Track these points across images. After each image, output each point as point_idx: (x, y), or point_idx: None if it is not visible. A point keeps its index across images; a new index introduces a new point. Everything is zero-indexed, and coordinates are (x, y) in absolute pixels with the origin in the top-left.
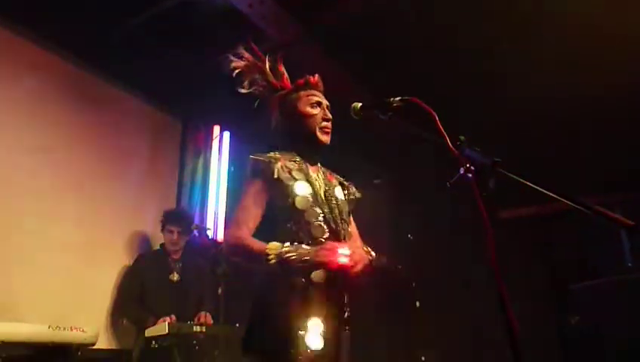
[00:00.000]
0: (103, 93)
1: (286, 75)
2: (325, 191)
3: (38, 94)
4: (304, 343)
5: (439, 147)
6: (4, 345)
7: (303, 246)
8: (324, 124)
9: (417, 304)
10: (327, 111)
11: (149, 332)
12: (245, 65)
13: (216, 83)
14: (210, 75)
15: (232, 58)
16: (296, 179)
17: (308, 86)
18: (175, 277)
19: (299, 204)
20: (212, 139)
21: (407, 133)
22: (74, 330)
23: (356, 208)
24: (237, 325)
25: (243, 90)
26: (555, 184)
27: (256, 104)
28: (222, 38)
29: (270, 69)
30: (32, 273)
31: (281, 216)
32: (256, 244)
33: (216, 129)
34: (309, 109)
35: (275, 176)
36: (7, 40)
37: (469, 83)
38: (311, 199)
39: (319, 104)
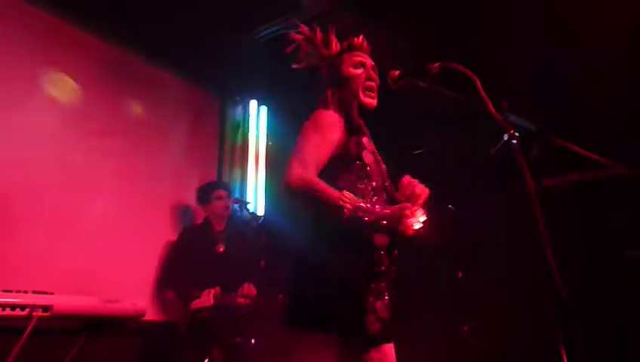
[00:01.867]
0: (141, 72)
1: (335, 42)
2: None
3: (81, 77)
4: (375, 310)
5: (482, 112)
6: (58, 316)
7: (375, 202)
8: (368, 83)
9: (459, 274)
10: (371, 71)
11: (195, 303)
12: (302, 39)
13: (253, 58)
14: (247, 49)
15: (290, 32)
16: (362, 134)
17: (352, 48)
18: (221, 248)
19: (366, 158)
20: (250, 114)
21: (447, 100)
22: (124, 303)
23: None
24: (280, 296)
25: (298, 66)
26: (607, 148)
27: (310, 78)
28: (256, 11)
29: (321, 40)
30: (81, 247)
31: (346, 170)
32: (329, 188)
33: (254, 103)
34: (351, 70)
35: (343, 117)
36: (52, 24)
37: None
38: (370, 159)
39: (363, 64)
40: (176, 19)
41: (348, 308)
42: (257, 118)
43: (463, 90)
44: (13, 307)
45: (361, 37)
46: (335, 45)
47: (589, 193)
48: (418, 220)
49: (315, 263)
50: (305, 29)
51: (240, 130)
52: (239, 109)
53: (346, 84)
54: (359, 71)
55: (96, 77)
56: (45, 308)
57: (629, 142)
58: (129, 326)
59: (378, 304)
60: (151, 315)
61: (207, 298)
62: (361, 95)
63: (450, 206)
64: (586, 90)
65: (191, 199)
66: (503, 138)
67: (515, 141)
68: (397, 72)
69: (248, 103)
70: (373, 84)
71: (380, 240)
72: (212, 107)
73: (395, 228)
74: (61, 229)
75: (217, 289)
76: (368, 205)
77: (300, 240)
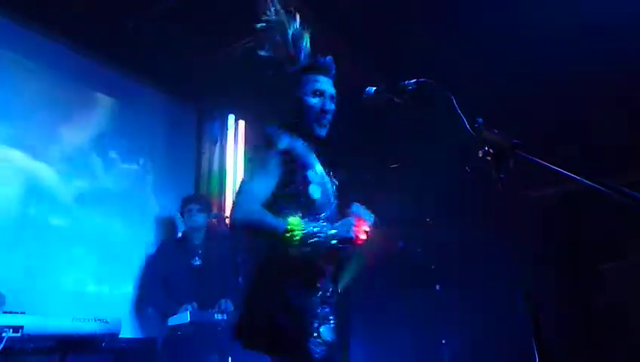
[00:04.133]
0: (118, 86)
1: (306, 48)
2: (324, 175)
3: (54, 89)
4: (320, 334)
5: (456, 129)
6: (30, 337)
7: (323, 223)
8: (322, 115)
9: (437, 287)
10: (328, 101)
11: (172, 320)
12: (274, 22)
13: (231, 71)
14: (224, 63)
15: (264, 11)
16: (306, 159)
17: (316, 69)
18: (197, 261)
19: (310, 176)
20: (227, 128)
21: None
22: (97, 321)
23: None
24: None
25: (262, 53)
26: (583, 161)
27: (270, 73)
28: (233, 24)
29: (292, 37)
30: (54, 266)
31: (295, 192)
32: (273, 219)
33: (231, 118)
34: (309, 98)
35: (289, 151)
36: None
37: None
38: (318, 181)
39: (322, 93)
40: (154, 33)
41: (293, 333)
42: (235, 132)
43: (439, 106)
44: None
45: (328, 58)
46: (305, 53)
47: (568, 204)
48: (364, 229)
49: (264, 288)
50: (280, 10)
51: (218, 144)
52: (217, 123)
53: (302, 109)
54: (316, 100)
55: (71, 91)
56: (16, 329)
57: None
58: (105, 345)
59: (323, 328)
60: (129, 332)
61: (183, 315)
62: (314, 125)
63: (427, 219)
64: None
65: (169, 213)
66: (478, 154)
67: (489, 157)
68: (373, 88)
69: (226, 117)
70: (328, 115)
71: (324, 265)
72: (190, 121)
73: (347, 239)
74: (37, 246)
75: (194, 304)
76: (315, 223)
77: (252, 265)
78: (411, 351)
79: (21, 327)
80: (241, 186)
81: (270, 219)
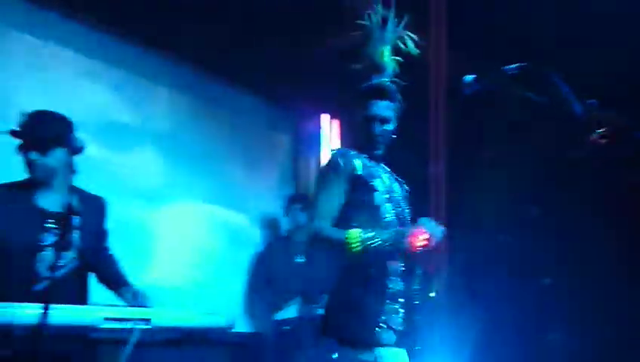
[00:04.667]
0: (217, 94)
1: (384, 65)
2: (393, 188)
3: (160, 102)
4: (381, 337)
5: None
6: (156, 328)
7: (382, 231)
8: (375, 139)
9: (545, 281)
10: (378, 126)
11: (280, 315)
12: (363, 33)
13: (324, 71)
14: (316, 63)
15: (360, 21)
16: (373, 177)
17: (371, 94)
18: (301, 258)
19: (376, 200)
20: (322, 128)
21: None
22: (213, 315)
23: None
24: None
25: (357, 67)
26: None
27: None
28: (330, 26)
29: (378, 54)
30: (176, 264)
31: (360, 211)
32: (337, 233)
33: (325, 118)
34: (365, 123)
35: (356, 172)
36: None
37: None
38: (384, 195)
39: (373, 118)
40: (247, 39)
41: (359, 327)
42: (330, 132)
43: (543, 91)
44: (118, 320)
45: (385, 84)
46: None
47: None
48: (420, 239)
49: (340, 287)
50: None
51: (314, 145)
52: (312, 124)
53: (362, 130)
54: (369, 126)
55: (175, 103)
56: (146, 321)
57: None
58: (219, 338)
59: (390, 318)
60: (239, 326)
61: (290, 309)
62: (370, 147)
63: (531, 210)
64: None
65: (272, 211)
66: (590, 137)
67: (604, 140)
68: (472, 77)
69: (320, 118)
70: (378, 139)
71: (392, 265)
72: (287, 121)
73: (401, 247)
74: (156, 248)
75: (299, 300)
76: (372, 233)
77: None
78: (518, 349)
79: (149, 320)
80: (314, 200)
81: (333, 233)
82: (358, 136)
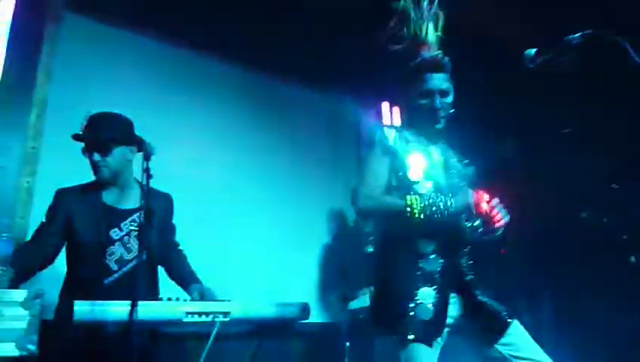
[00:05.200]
0: (280, 93)
1: (427, 33)
2: (444, 165)
3: (219, 104)
4: (414, 313)
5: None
6: (235, 321)
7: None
8: (431, 114)
9: (632, 259)
10: (437, 100)
11: (353, 305)
12: (401, 13)
13: (378, 58)
14: (371, 51)
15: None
16: (409, 152)
17: (426, 68)
18: (370, 248)
19: (411, 175)
20: (382, 116)
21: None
22: (290, 306)
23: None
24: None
25: (395, 48)
26: None
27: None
28: (379, 12)
29: (416, 31)
30: (250, 258)
31: (395, 186)
32: (392, 199)
33: (385, 105)
34: (417, 98)
35: (395, 146)
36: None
37: None
38: (424, 172)
39: (429, 93)
40: (304, 33)
41: (390, 314)
42: (391, 119)
43: (611, 61)
44: (199, 314)
45: (437, 57)
46: (429, 49)
47: None
48: (484, 198)
49: (377, 274)
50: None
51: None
52: (372, 112)
53: (413, 106)
54: (424, 100)
55: (239, 105)
56: (225, 314)
57: None
58: (295, 329)
59: (419, 308)
60: (314, 317)
61: (363, 299)
62: (427, 123)
63: (613, 185)
64: None
65: (339, 204)
66: None
67: None
68: (534, 50)
69: (381, 105)
70: (438, 112)
71: (425, 248)
72: (348, 112)
73: (466, 205)
74: (231, 244)
75: (371, 289)
76: (431, 199)
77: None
78: (606, 331)
79: (228, 313)
80: (360, 174)
81: (389, 199)
82: (413, 115)
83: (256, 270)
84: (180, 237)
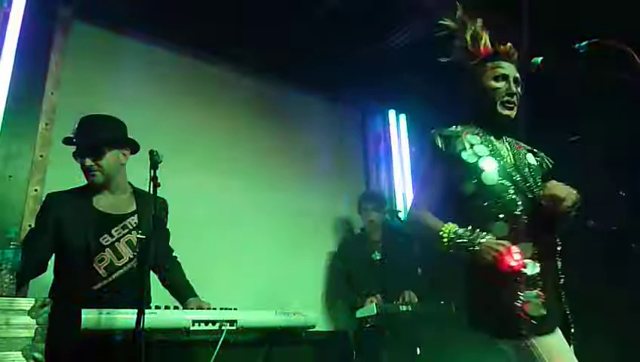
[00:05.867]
0: (284, 98)
1: (486, 41)
2: (516, 161)
3: (226, 112)
4: (523, 308)
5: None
6: (242, 329)
7: (480, 233)
8: (507, 98)
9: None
10: (512, 85)
11: (360, 313)
12: (455, 28)
13: (388, 67)
14: (382, 59)
15: (442, 21)
16: (479, 156)
17: (497, 57)
18: (377, 256)
19: (486, 179)
20: (389, 124)
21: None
22: (297, 315)
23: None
24: (442, 302)
25: (444, 60)
26: None
27: (449, 75)
28: (389, 19)
29: (471, 36)
30: (256, 267)
31: (469, 194)
32: (433, 223)
33: (392, 113)
34: (492, 83)
35: (457, 153)
36: (192, 64)
37: None
38: (499, 173)
39: (505, 77)
40: (311, 39)
41: (495, 311)
42: (397, 127)
43: (619, 67)
44: (206, 322)
45: (508, 45)
46: (484, 46)
47: None
48: (513, 258)
49: (468, 274)
50: (460, 16)
51: (382, 141)
52: (379, 120)
53: (484, 96)
54: (500, 84)
55: (242, 112)
56: (232, 322)
57: None
58: (302, 337)
59: (528, 306)
60: (321, 326)
61: (370, 307)
62: (499, 108)
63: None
64: None
65: (345, 211)
66: None
67: None
68: (540, 58)
69: (387, 113)
70: (513, 98)
71: (525, 250)
72: (354, 120)
73: (486, 262)
74: (237, 253)
75: (378, 297)
76: (467, 232)
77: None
78: (620, 344)
79: (235, 321)
80: (416, 185)
81: (427, 223)
82: (480, 106)
83: (261, 278)
84: (183, 244)
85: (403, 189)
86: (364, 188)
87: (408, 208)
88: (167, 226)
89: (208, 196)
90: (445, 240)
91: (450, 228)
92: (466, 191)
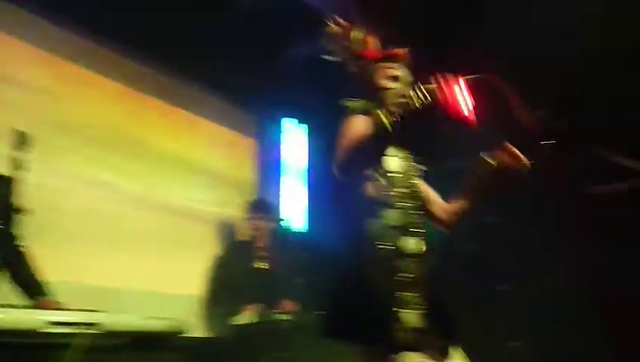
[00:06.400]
0: (181, 95)
1: (372, 45)
2: (406, 160)
3: (123, 99)
4: (401, 319)
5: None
6: (105, 334)
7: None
8: (400, 100)
9: (498, 287)
10: (406, 87)
11: (237, 320)
12: (338, 32)
13: (290, 76)
14: (283, 68)
15: (328, 22)
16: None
17: (392, 58)
18: (259, 264)
19: (388, 166)
20: (287, 132)
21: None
22: (166, 320)
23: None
24: (319, 312)
25: (329, 58)
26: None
27: (337, 75)
28: (293, 31)
29: (355, 37)
30: (127, 266)
31: (373, 178)
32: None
33: (291, 122)
34: (383, 82)
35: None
36: (91, 49)
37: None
38: (399, 164)
39: (397, 79)
40: (213, 41)
41: (372, 320)
42: (295, 136)
43: (498, 100)
44: (63, 324)
45: (405, 49)
46: (372, 49)
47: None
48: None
49: (347, 278)
50: (342, 21)
51: (278, 148)
52: (277, 128)
53: (376, 96)
54: (392, 84)
55: (133, 99)
56: (92, 325)
57: None
58: (171, 343)
59: (405, 314)
60: (196, 332)
61: (247, 315)
62: (390, 109)
63: (484, 219)
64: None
65: (232, 216)
66: (539, 147)
67: (552, 151)
68: (432, 86)
69: (286, 122)
70: (405, 100)
71: (410, 246)
72: (251, 126)
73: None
74: (104, 250)
75: (258, 305)
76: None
77: (337, 257)
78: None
79: (96, 324)
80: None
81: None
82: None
83: (136, 279)
84: (52, 240)
85: (294, 198)
86: (254, 195)
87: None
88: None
89: (86, 189)
90: (384, 118)
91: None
92: (371, 175)
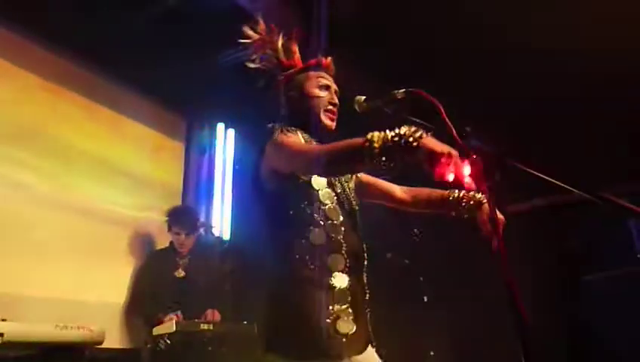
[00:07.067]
0: (106, 93)
1: (298, 54)
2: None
3: (39, 93)
4: (335, 328)
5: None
6: (10, 344)
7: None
8: (330, 107)
9: (425, 299)
10: (334, 95)
11: (157, 330)
12: (258, 39)
13: (220, 80)
14: (214, 72)
15: (246, 29)
16: None
17: (319, 67)
18: (181, 273)
19: (315, 183)
20: (216, 137)
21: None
22: (80, 329)
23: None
24: (245, 322)
25: (252, 65)
26: (563, 174)
27: (262, 83)
28: (224, 34)
29: (282, 46)
30: (38, 271)
31: (295, 195)
32: (348, 140)
33: (221, 127)
34: (316, 90)
35: None
36: (7, 38)
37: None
38: (326, 180)
39: (327, 87)
40: (143, 41)
41: (305, 333)
42: (224, 141)
43: (428, 115)
44: None
45: (329, 58)
46: (297, 58)
47: (549, 217)
48: (453, 170)
49: (277, 291)
50: (262, 27)
51: (207, 153)
52: (206, 132)
53: (308, 104)
54: (323, 93)
55: (62, 97)
56: None
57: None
58: (88, 354)
59: (338, 322)
60: (114, 342)
61: (169, 325)
62: (322, 116)
63: (414, 235)
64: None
65: (156, 222)
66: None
67: (476, 167)
68: (363, 97)
69: (215, 126)
70: (335, 108)
71: (338, 262)
72: (179, 129)
73: (431, 149)
74: (19, 254)
75: (179, 315)
76: (401, 130)
77: (266, 270)
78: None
79: (1, 335)
80: (289, 152)
81: (342, 142)
82: (299, 116)
83: (51, 286)
84: None
85: (222, 206)
86: (179, 201)
87: (297, 159)
88: None
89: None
90: (376, 143)
91: (376, 133)
92: (293, 191)
